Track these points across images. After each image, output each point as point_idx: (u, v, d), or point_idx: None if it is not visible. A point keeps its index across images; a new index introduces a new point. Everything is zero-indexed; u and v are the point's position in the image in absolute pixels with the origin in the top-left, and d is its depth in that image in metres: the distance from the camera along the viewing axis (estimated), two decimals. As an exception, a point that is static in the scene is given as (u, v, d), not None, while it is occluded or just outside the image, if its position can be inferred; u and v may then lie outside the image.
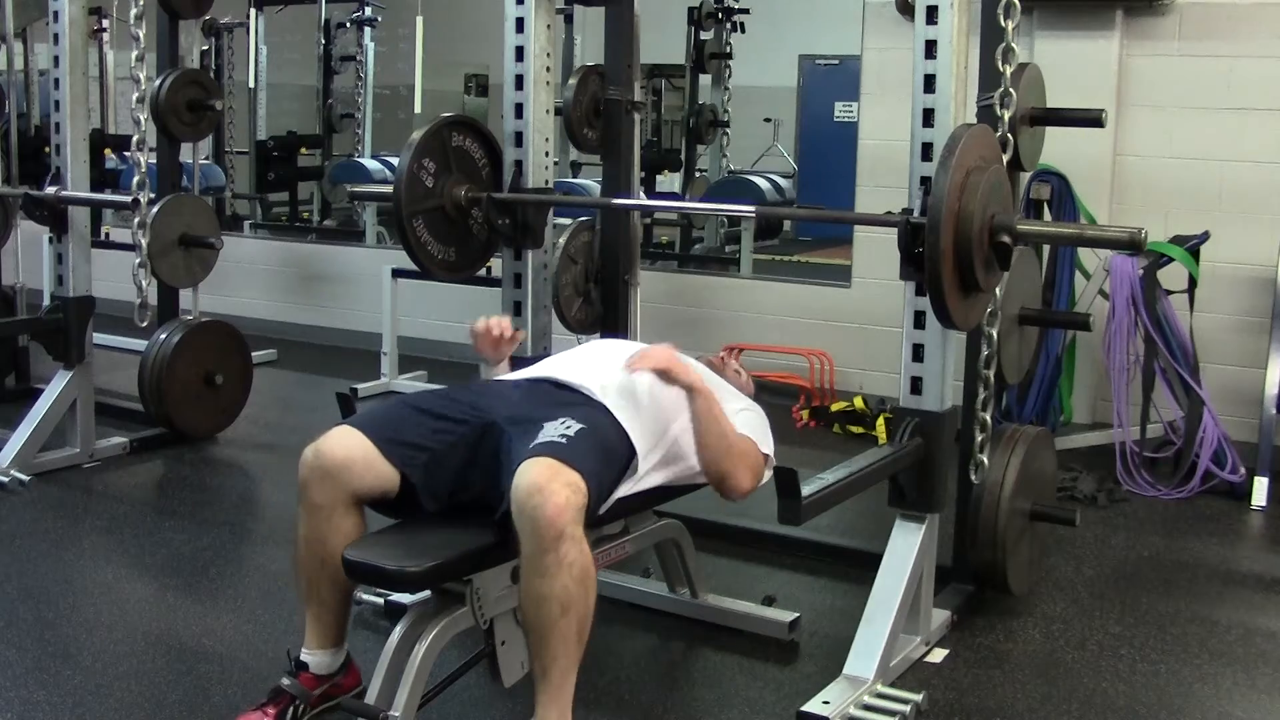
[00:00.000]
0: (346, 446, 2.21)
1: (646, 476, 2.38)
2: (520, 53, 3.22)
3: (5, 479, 3.89)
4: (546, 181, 3.28)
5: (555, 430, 2.15)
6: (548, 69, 3.24)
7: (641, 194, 4.14)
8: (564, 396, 2.39)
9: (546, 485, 1.99)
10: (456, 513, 2.27)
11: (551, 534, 1.98)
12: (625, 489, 2.32)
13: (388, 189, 3.03)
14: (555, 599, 2.00)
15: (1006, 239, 2.38)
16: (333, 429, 2.26)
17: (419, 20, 6.99)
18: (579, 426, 2.17)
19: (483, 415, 2.31)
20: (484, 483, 2.25)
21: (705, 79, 7.23)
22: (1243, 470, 4.02)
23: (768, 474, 2.49)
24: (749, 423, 2.51)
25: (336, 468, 2.20)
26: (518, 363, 2.79)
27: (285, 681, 2.30)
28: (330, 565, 2.24)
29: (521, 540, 2.03)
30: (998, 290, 2.66)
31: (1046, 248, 4.28)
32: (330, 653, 2.33)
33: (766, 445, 2.52)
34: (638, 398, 2.40)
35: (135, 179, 3.95)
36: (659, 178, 7.42)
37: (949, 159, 2.29)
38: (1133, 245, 2.35)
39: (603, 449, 2.20)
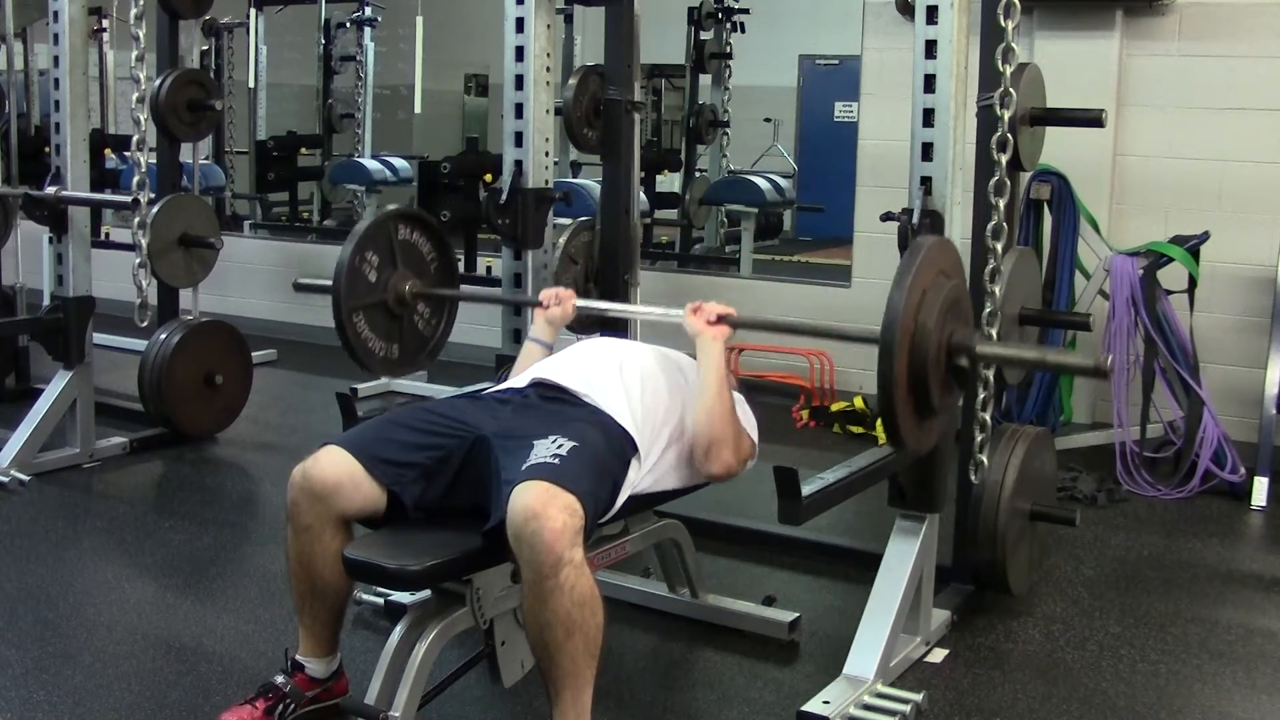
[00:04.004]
0: (336, 469, 2.20)
1: (653, 469, 2.39)
2: (520, 53, 3.22)
3: (5, 479, 3.89)
4: (546, 181, 3.29)
5: (547, 450, 2.13)
6: (548, 69, 3.24)
7: (642, 194, 4.13)
8: (554, 409, 2.37)
9: (543, 511, 1.98)
10: (455, 512, 2.27)
11: (550, 560, 1.97)
12: (633, 481, 2.32)
13: (328, 282, 2.83)
14: (559, 623, 2.00)
15: (965, 362, 2.29)
16: (320, 450, 2.24)
17: (419, 20, 6.99)
18: (571, 444, 2.15)
19: (472, 430, 2.30)
20: (473, 497, 2.23)
21: (705, 79, 7.22)
22: (1243, 470, 4.02)
23: (751, 463, 2.52)
24: (742, 414, 2.54)
25: (326, 491, 2.19)
26: (516, 367, 2.79)
27: (279, 679, 2.31)
28: (320, 583, 2.25)
29: (521, 566, 2.02)
30: (998, 290, 2.67)
31: (1047, 248, 4.30)
32: (324, 661, 2.34)
33: (753, 434, 2.55)
34: (633, 393, 2.40)
35: (135, 179, 3.94)
36: (659, 177, 7.42)
37: (906, 276, 2.18)
38: (1098, 374, 2.22)
39: (596, 465, 2.18)
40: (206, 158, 7.31)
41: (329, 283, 2.83)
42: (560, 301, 2.83)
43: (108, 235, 6.34)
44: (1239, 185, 4.40)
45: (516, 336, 3.29)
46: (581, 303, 2.87)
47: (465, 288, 3.17)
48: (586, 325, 3.39)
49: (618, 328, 3.37)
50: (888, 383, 2.17)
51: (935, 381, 2.25)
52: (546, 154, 3.27)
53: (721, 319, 2.52)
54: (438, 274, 3.04)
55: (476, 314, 5.77)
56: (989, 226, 2.66)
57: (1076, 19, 4.55)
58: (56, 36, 4.07)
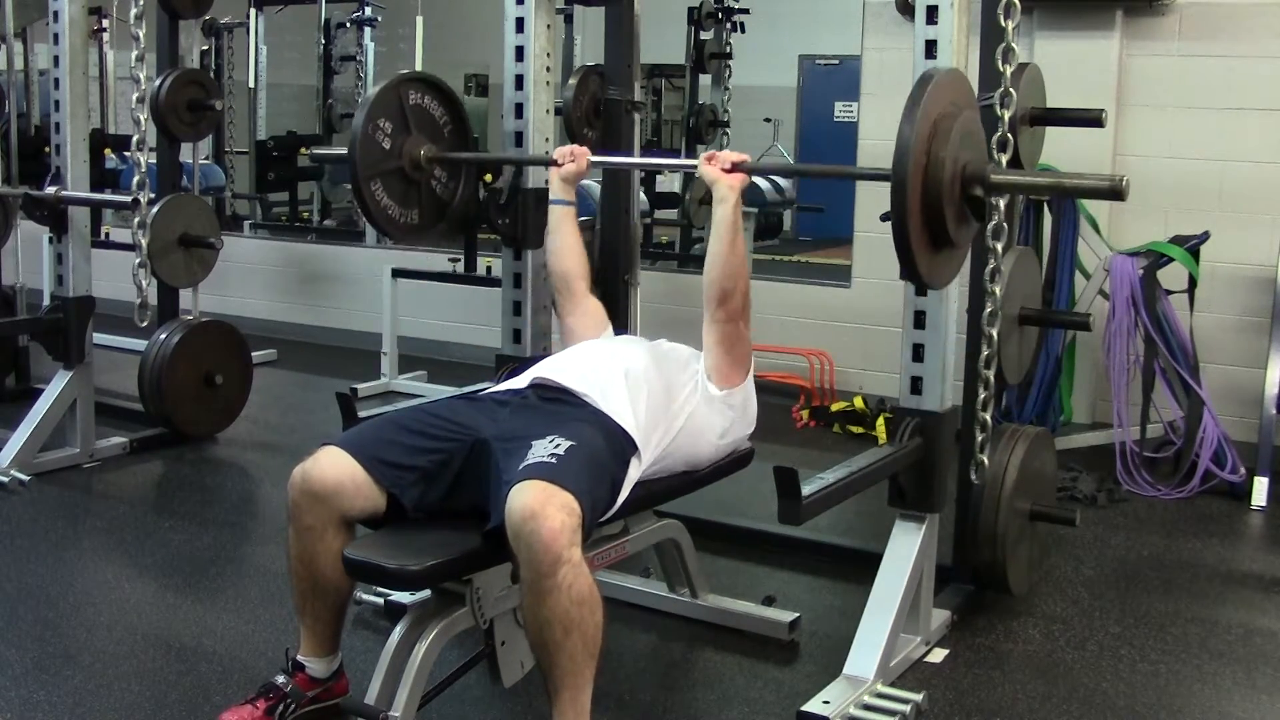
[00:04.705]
0: (336, 470, 2.20)
1: (653, 464, 2.39)
2: (520, 53, 3.22)
3: (5, 479, 3.89)
4: (546, 181, 3.28)
5: (545, 450, 2.13)
6: (548, 69, 3.24)
7: (642, 194, 4.12)
8: (553, 410, 2.37)
9: (541, 510, 1.98)
10: (455, 513, 2.27)
11: (548, 559, 1.97)
12: (634, 480, 2.32)
13: (343, 151, 2.88)
14: (557, 622, 2.00)
15: (979, 191, 2.27)
16: (320, 450, 2.24)
17: (419, 20, 6.99)
18: (568, 444, 2.15)
19: (472, 432, 2.30)
20: (473, 499, 2.24)
21: (705, 79, 7.22)
22: (1243, 470, 4.02)
23: (750, 371, 2.61)
24: (744, 399, 2.63)
25: (326, 492, 2.19)
26: (516, 367, 2.79)
27: (280, 679, 2.31)
28: (322, 584, 2.25)
29: (520, 565, 2.02)
30: (998, 290, 2.66)
31: (1047, 248, 4.30)
32: (325, 660, 2.34)
33: (751, 420, 2.67)
34: (635, 393, 2.40)
35: (135, 179, 3.94)
36: (659, 178, 7.41)
37: (915, 106, 2.16)
38: (1114, 194, 2.22)
39: (594, 464, 2.18)
40: (206, 158, 7.31)
41: (343, 151, 2.86)
42: (575, 157, 2.88)
43: (108, 235, 6.34)
44: (1239, 185, 4.40)
45: (516, 336, 3.28)
46: (596, 157, 2.92)
47: (478, 153, 3.20)
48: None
49: (619, 328, 3.37)
50: (901, 216, 2.15)
51: (950, 213, 2.23)
52: (546, 154, 3.26)
53: (736, 166, 2.56)
54: (451, 137, 3.07)
55: (476, 314, 5.80)
56: (989, 226, 2.65)
57: (1076, 19, 4.55)
58: (56, 36, 4.07)
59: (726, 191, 2.54)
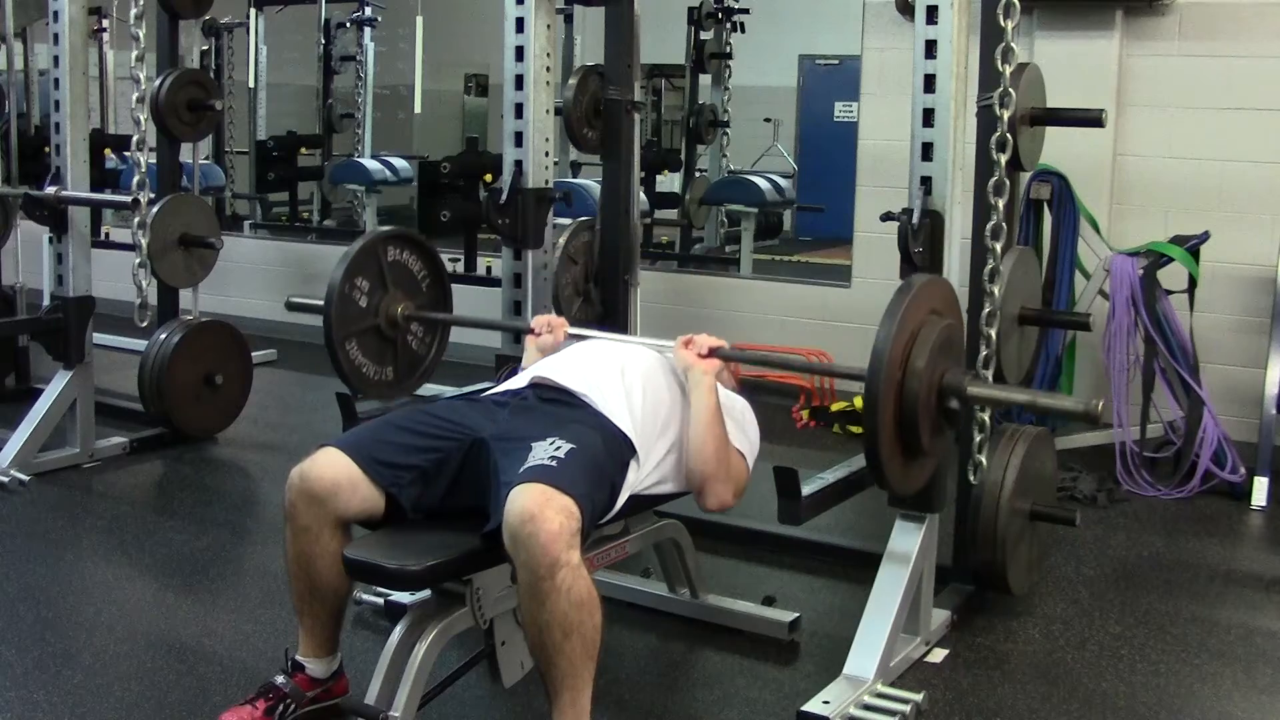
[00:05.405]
0: (333, 470, 2.20)
1: (655, 471, 2.39)
2: (520, 53, 3.22)
3: (5, 479, 3.89)
4: (546, 181, 3.29)
5: (545, 452, 2.13)
6: (548, 69, 3.25)
7: (642, 193, 4.12)
8: (552, 411, 2.37)
9: (539, 513, 1.98)
10: (454, 514, 2.27)
11: (546, 561, 1.97)
12: (632, 483, 2.32)
13: (320, 302, 2.82)
14: (556, 625, 2.00)
15: (955, 404, 2.24)
16: (318, 451, 2.24)
17: (419, 20, 7.00)
18: (569, 447, 2.15)
19: (470, 432, 2.29)
20: (471, 499, 2.23)
21: (705, 79, 7.22)
22: (1243, 470, 4.02)
23: (747, 475, 2.54)
24: (738, 432, 2.54)
25: (324, 493, 2.19)
26: (515, 367, 2.79)
27: (280, 679, 2.31)
28: (319, 584, 2.25)
29: (517, 568, 2.02)
30: (997, 290, 2.67)
31: (1047, 248, 4.30)
32: (324, 661, 2.34)
33: (752, 456, 2.57)
34: (633, 396, 2.40)
35: (135, 179, 3.94)
36: (659, 178, 7.42)
37: (893, 316, 2.12)
38: (1087, 418, 2.19)
39: (594, 467, 2.18)
40: (206, 158, 7.31)
41: (320, 303, 2.83)
42: (552, 329, 2.81)
43: (108, 235, 6.34)
44: (1239, 185, 4.40)
45: (516, 337, 3.29)
46: (573, 330, 2.85)
47: (457, 313, 3.18)
48: (586, 326, 3.40)
49: (620, 328, 3.37)
50: (873, 426, 2.13)
51: (925, 424, 2.21)
52: (546, 154, 3.27)
53: (713, 352, 2.51)
54: (430, 291, 3.04)
55: (476, 314, 5.79)
56: (989, 226, 2.66)
57: (1076, 19, 4.55)
58: (56, 36, 4.07)
59: (701, 376, 2.47)
